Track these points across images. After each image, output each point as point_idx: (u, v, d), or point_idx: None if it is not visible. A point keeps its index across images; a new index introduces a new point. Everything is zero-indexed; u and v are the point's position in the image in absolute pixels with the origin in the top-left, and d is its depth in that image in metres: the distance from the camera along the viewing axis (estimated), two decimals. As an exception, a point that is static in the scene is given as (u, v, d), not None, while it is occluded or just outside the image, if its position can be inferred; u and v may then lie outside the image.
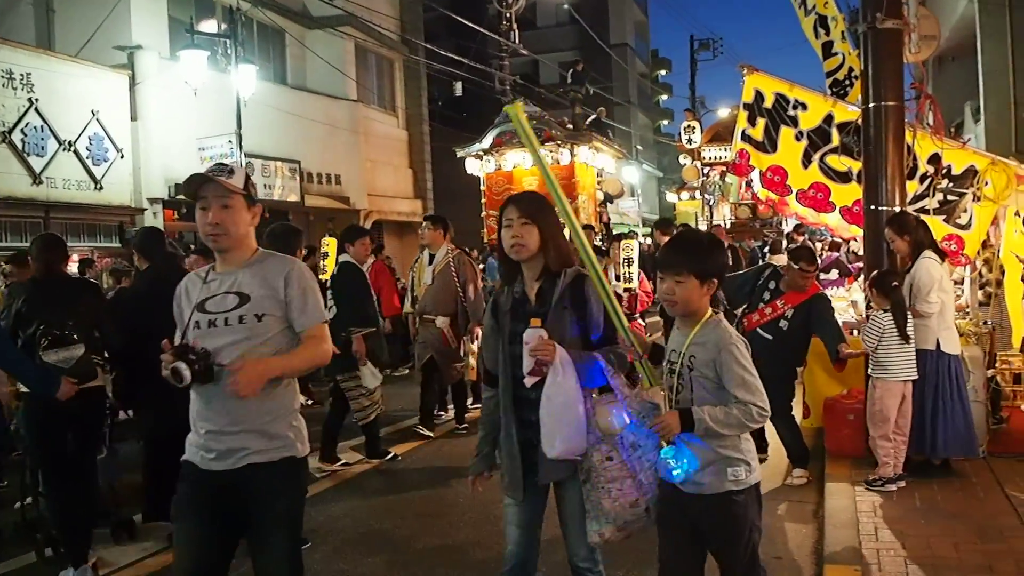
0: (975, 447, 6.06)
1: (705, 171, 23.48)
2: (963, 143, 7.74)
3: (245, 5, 16.07)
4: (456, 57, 21.08)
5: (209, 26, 15.43)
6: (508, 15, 21.78)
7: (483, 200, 16.65)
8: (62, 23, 14.81)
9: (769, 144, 7.49)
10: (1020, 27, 15.37)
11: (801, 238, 13.93)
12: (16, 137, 12.43)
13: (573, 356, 3.16)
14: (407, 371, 11.90)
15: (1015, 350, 7.21)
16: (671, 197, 29.72)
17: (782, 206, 7.92)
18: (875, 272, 6.09)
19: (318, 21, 19.66)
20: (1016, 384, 7.27)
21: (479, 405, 5.07)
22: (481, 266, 14.19)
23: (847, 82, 8.46)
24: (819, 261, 13.42)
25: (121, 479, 6.04)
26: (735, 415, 2.94)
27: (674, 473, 3.00)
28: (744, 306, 6.87)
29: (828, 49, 8.73)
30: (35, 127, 12.73)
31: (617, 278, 8.47)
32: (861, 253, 9.00)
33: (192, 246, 15.05)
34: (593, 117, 20.47)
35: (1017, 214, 6.95)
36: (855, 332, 7.74)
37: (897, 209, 6.32)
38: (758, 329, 6.53)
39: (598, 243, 12.59)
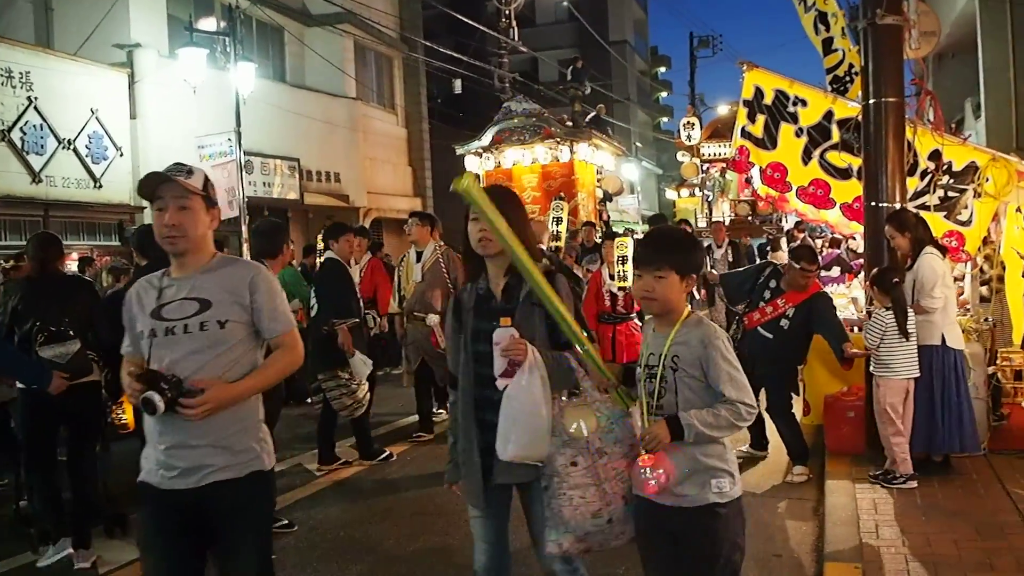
0: (978, 443, 6.06)
1: (704, 168, 23.48)
2: (964, 139, 7.73)
3: (244, 3, 16.04)
4: (455, 55, 21.06)
5: (208, 24, 15.40)
6: (507, 12, 21.76)
7: (483, 198, 16.64)
8: (61, 21, 14.79)
9: (769, 141, 7.49)
10: (1020, 23, 15.37)
11: (802, 235, 13.93)
12: (15, 135, 12.41)
13: (544, 357, 3.04)
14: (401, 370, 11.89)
15: (1016, 347, 7.20)
16: (671, 194, 29.74)
17: (782, 203, 7.92)
18: (875, 270, 6.08)
19: (317, 19, 19.64)
20: (1017, 381, 7.26)
21: None
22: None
23: (847, 78, 8.43)
24: (820, 259, 13.45)
25: (117, 477, 6.04)
26: (724, 416, 2.80)
27: (650, 487, 2.81)
28: (744, 304, 6.87)
29: (828, 45, 8.71)
30: (34, 125, 12.71)
31: (611, 276, 8.32)
32: (860, 251, 9.00)
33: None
34: (592, 114, 20.47)
35: (1018, 210, 6.93)
36: (856, 329, 7.73)
37: (897, 206, 6.32)
38: (759, 328, 6.53)
39: (597, 240, 12.55)
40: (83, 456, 5.28)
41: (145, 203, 10.88)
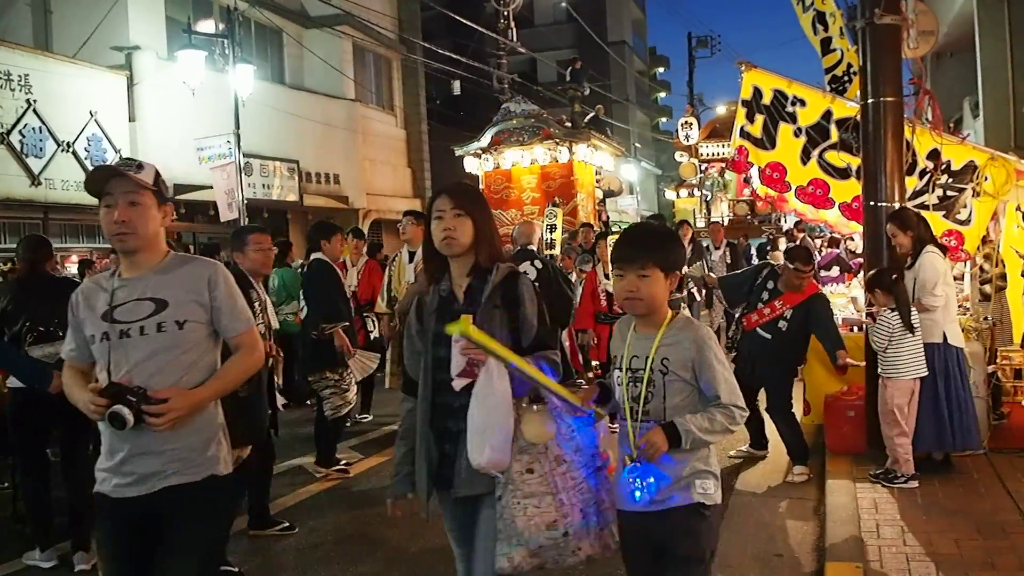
0: (979, 440, 6.06)
1: (703, 168, 23.49)
2: (962, 138, 7.73)
3: (243, 5, 16.05)
4: (454, 56, 21.07)
5: (207, 26, 15.42)
6: (506, 13, 21.77)
7: (482, 199, 16.64)
8: (59, 24, 14.80)
9: (768, 141, 7.49)
10: (1018, 22, 15.38)
11: (801, 235, 13.94)
12: (14, 138, 12.42)
13: None
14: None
15: (1016, 345, 7.20)
16: (670, 194, 29.74)
17: (781, 203, 7.92)
18: (871, 273, 6.07)
19: (315, 20, 19.65)
20: (1017, 380, 7.26)
21: None
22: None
23: (846, 78, 8.43)
24: (817, 258, 13.44)
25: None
26: (719, 420, 2.71)
27: (637, 496, 2.71)
28: (743, 306, 6.87)
29: (826, 45, 8.71)
30: (33, 128, 12.72)
31: (607, 276, 8.23)
32: (859, 250, 9.01)
33: (191, 247, 15.09)
34: (591, 115, 20.48)
35: (1018, 209, 6.94)
36: (855, 328, 7.74)
37: (896, 205, 6.32)
38: (757, 329, 6.54)
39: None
40: (78, 456, 5.30)
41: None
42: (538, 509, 2.77)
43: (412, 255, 7.89)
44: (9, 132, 12.34)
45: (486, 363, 2.78)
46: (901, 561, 4.48)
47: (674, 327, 2.82)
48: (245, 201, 14.16)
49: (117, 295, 2.90)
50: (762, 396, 6.80)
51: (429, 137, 24.21)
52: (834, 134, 7.26)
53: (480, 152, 16.42)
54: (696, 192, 25.30)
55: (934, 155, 6.92)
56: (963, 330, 6.43)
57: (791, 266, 6.39)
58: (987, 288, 7.37)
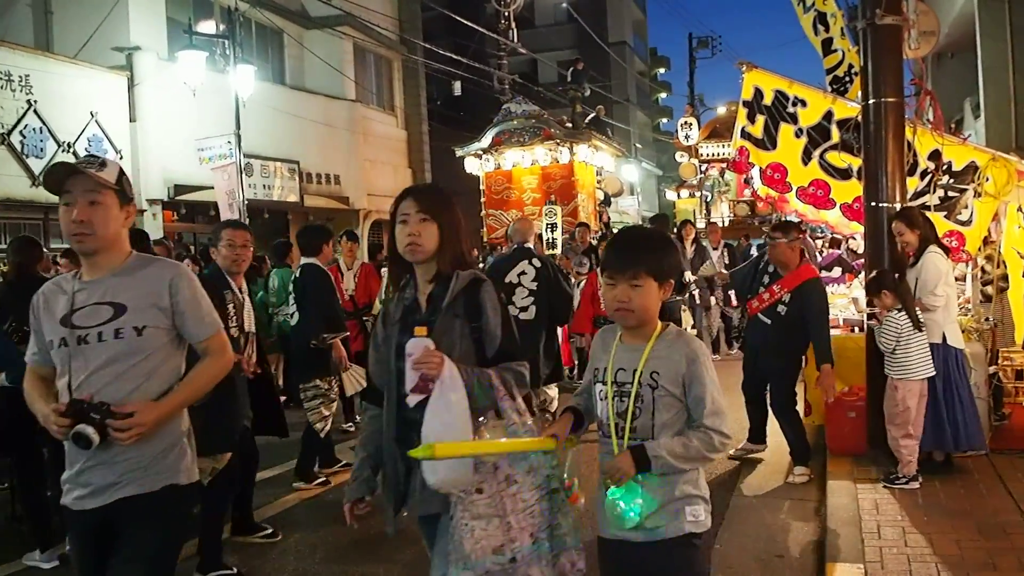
0: (983, 440, 6.06)
1: (703, 168, 23.45)
2: (963, 139, 7.73)
3: (243, 5, 16.06)
4: (455, 56, 21.07)
5: (207, 27, 15.42)
6: (506, 14, 21.78)
7: (482, 199, 16.66)
8: (60, 24, 14.80)
9: (769, 141, 7.48)
10: (1019, 22, 15.37)
11: (802, 235, 13.92)
12: (15, 139, 12.42)
13: (462, 372, 2.72)
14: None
15: (1017, 346, 7.20)
16: (671, 195, 29.70)
17: (782, 203, 7.91)
18: (873, 276, 6.05)
19: (316, 21, 19.66)
20: (1018, 380, 7.27)
21: None
22: (480, 266, 14.20)
23: (847, 79, 8.43)
24: (819, 259, 13.40)
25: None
26: (695, 446, 2.53)
27: (625, 520, 2.55)
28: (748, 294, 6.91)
29: (828, 46, 8.71)
30: (34, 129, 12.72)
31: None
32: (860, 251, 8.99)
33: (191, 247, 15.09)
34: (592, 116, 20.48)
35: (1019, 209, 6.93)
36: (856, 330, 7.73)
37: (898, 206, 6.31)
38: (759, 315, 6.63)
39: (592, 242, 12.52)
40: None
41: (144, 206, 10.89)
42: (485, 532, 2.61)
43: None
44: (10, 132, 12.35)
45: (440, 377, 2.65)
46: (902, 562, 4.47)
47: (665, 339, 2.66)
48: (246, 202, 14.16)
49: (77, 298, 2.80)
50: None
51: (430, 138, 24.22)
52: (835, 135, 7.25)
53: (481, 153, 16.43)
54: (696, 193, 25.27)
55: (935, 156, 6.92)
56: (964, 331, 6.43)
57: (770, 239, 6.45)
58: (989, 289, 7.37)
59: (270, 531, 5.58)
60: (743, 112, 7.63)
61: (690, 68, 37.61)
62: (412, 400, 2.76)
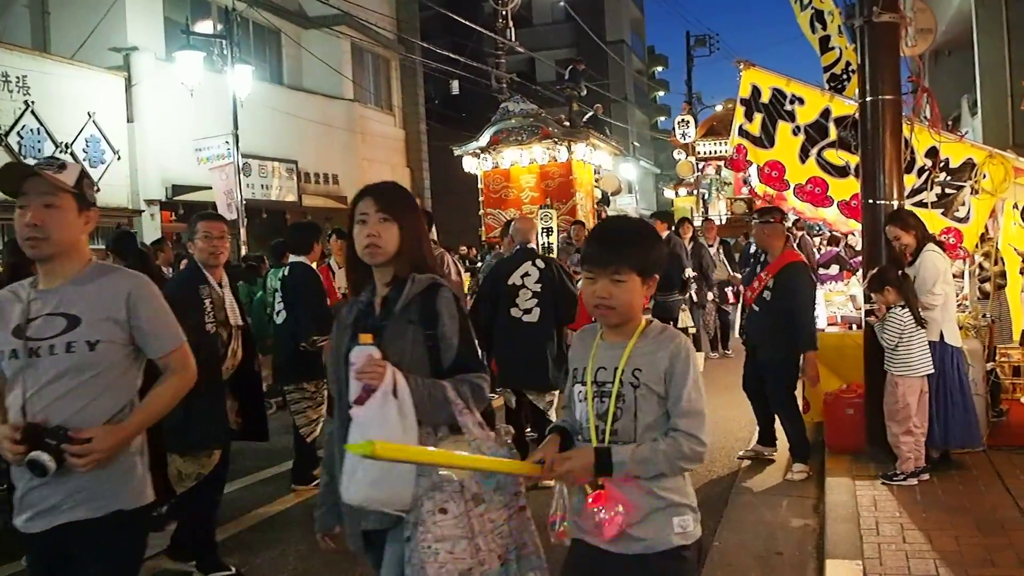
0: (979, 437, 6.07)
1: (700, 166, 23.47)
2: (960, 136, 7.73)
3: (241, 5, 16.05)
4: (452, 55, 21.07)
5: (205, 27, 15.42)
6: (504, 13, 21.77)
7: (481, 198, 16.65)
8: (57, 25, 14.80)
9: (766, 139, 7.48)
10: (1016, 20, 15.39)
11: (800, 233, 13.93)
12: (12, 140, 12.42)
13: (412, 383, 2.55)
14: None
15: (1014, 343, 7.21)
16: (669, 193, 29.73)
17: (780, 201, 7.90)
18: (877, 270, 6.05)
19: (314, 21, 19.66)
20: (1016, 377, 7.26)
21: None
22: (478, 264, 14.20)
23: (844, 76, 8.45)
24: (816, 256, 13.40)
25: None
26: (662, 451, 2.33)
27: (605, 527, 2.33)
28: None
29: (825, 44, 8.72)
30: (31, 130, 12.72)
31: None
32: (859, 248, 9.00)
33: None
34: (590, 114, 20.49)
35: (1015, 207, 6.94)
36: (853, 327, 7.74)
37: (895, 203, 6.32)
38: (752, 305, 6.71)
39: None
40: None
41: (143, 207, 10.90)
42: (451, 555, 2.43)
43: None
44: (7, 133, 12.35)
45: (382, 388, 2.49)
46: (901, 558, 4.48)
47: (648, 335, 2.46)
48: (244, 201, 14.16)
49: (32, 307, 2.64)
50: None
51: (428, 137, 24.23)
52: (833, 132, 7.26)
53: (479, 152, 16.41)
54: (694, 191, 25.29)
55: (932, 153, 6.92)
56: (962, 328, 6.44)
57: (754, 222, 6.65)
58: (986, 286, 7.37)
59: (232, 572, 5.04)
60: (741, 110, 7.63)
61: (688, 66, 37.63)
62: (355, 413, 2.57)
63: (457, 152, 16.86)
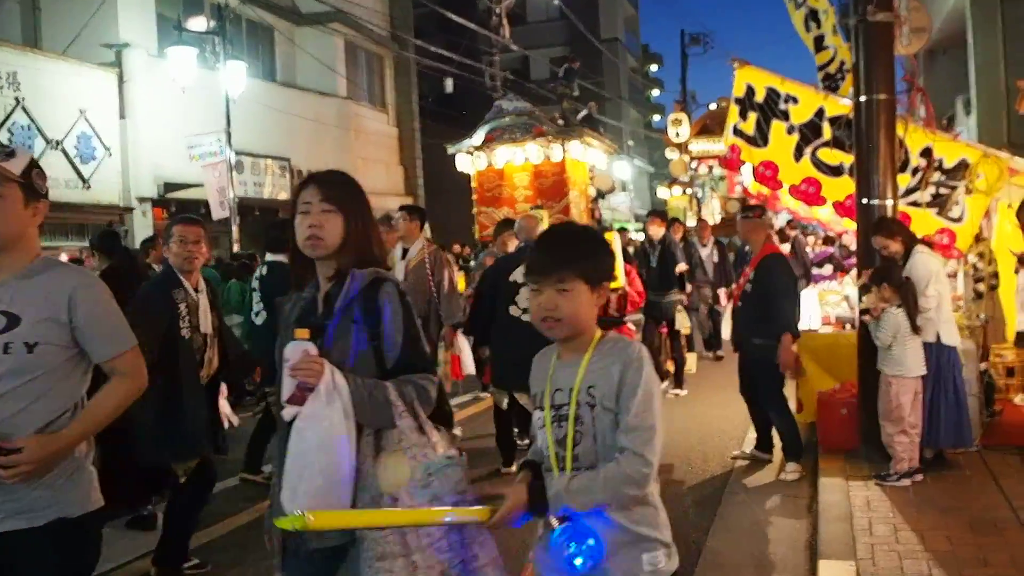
0: (971, 437, 6.07)
1: (693, 165, 23.48)
2: (955, 136, 7.73)
3: (234, 2, 16.00)
4: (446, 53, 21.04)
5: (197, 23, 15.36)
6: (498, 10, 21.74)
7: (474, 197, 16.62)
8: (49, 21, 14.73)
9: (760, 138, 7.47)
10: (1011, 19, 15.41)
11: (793, 233, 13.93)
12: (3, 136, 12.35)
13: (352, 383, 2.40)
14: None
15: (1008, 343, 7.21)
16: (663, 192, 29.76)
17: (774, 200, 7.91)
18: (880, 266, 6.03)
19: (307, 18, 19.62)
20: (1009, 377, 7.27)
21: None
22: (471, 263, 14.17)
23: (839, 76, 8.43)
24: (811, 255, 13.41)
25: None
26: (601, 478, 2.16)
27: (576, 562, 2.16)
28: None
29: (819, 43, 8.71)
30: (22, 126, 12.66)
31: None
32: (853, 248, 9.00)
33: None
34: (584, 112, 20.47)
35: (1010, 207, 6.94)
36: (847, 327, 7.73)
37: (889, 203, 6.30)
38: (739, 301, 6.79)
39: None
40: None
41: (134, 204, 10.86)
42: (390, 573, 2.31)
43: (405, 252, 7.53)
44: (-2, 130, 12.29)
45: (317, 389, 2.35)
46: (894, 559, 4.47)
47: (604, 348, 2.29)
48: (236, 199, 14.11)
49: None
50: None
51: (421, 135, 24.19)
52: (827, 132, 7.25)
53: (472, 150, 16.36)
54: (688, 190, 25.31)
55: (927, 152, 6.92)
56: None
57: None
58: (980, 286, 7.37)
59: (196, 562, 4.99)
60: (735, 109, 7.62)
61: (682, 65, 37.60)
62: (288, 413, 2.42)
63: (450, 150, 16.80)
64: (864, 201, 6.41)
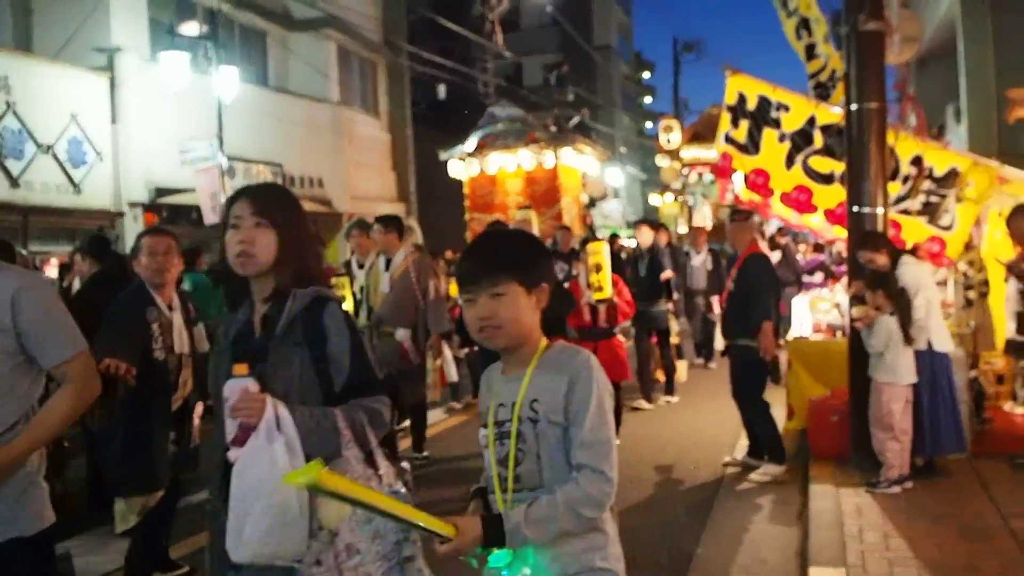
0: (965, 444, 6.09)
1: (685, 172, 23.51)
2: (945, 144, 7.77)
3: (226, 7, 15.98)
4: (439, 59, 21.05)
5: (190, 28, 15.33)
6: (491, 17, 21.78)
7: (466, 203, 16.64)
8: (41, 24, 14.67)
9: (752, 146, 7.50)
10: (1001, 28, 15.48)
11: (784, 240, 13.95)
12: (-7, 140, 12.30)
13: (298, 415, 2.26)
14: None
15: (998, 351, 7.24)
16: (655, 199, 29.81)
17: (765, 208, 7.93)
18: (875, 272, 6.03)
19: (300, 23, 19.60)
20: (999, 384, 7.30)
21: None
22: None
23: (830, 84, 8.46)
24: (802, 262, 13.43)
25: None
26: (562, 503, 1.98)
27: None
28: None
29: (811, 51, 8.74)
30: (13, 130, 12.59)
31: (590, 287, 7.52)
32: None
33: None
34: (577, 119, 20.51)
35: (1000, 215, 6.98)
36: (838, 334, 7.75)
37: (880, 211, 6.33)
38: (726, 306, 6.95)
39: (575, 247, 12.38)
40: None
41: (125, 209, 10.80)
42: None
43: (388, 263, 7.33)
44: (-11, 134, 12.23)
45: (258, 429, 2.20)
46: (884, 566, 4.48)
47: (549, 358, 2.14)
48: (228, 204, 14.04)
49: None
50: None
51: (414, 141, 24.18)
52: (818, 140, 7.28)
53: (465, 156, 16.41)
54: (679, 197, 25.35)
55: (917, 161, 6.96)
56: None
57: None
58: (970, 294, 7.40)
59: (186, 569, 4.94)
60: (727, 117, 7.64)
61: (675, 72, 37.71)
62: (233, 456, 2.26)
63: (443, 156, 16.85)
64: (855, 209, 6.43)
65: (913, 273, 5.90)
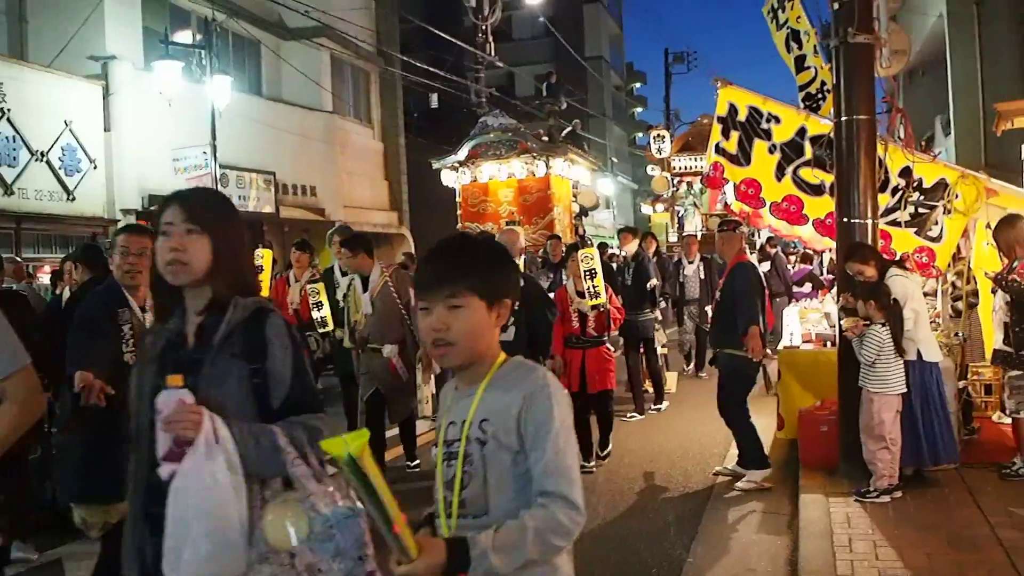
0: (957, 453, 6.13)
1: (675, 181, 23.56)
2: (934, 156, 7.84)
3: (220, 16, 16.00)
4: (432, 69, 21.10)
5: (184, 36, 15.36)
6: (484, 27, 21.83)
7: (459, 212, 16.66)
8: (35, 33, 14.67)
9: (743, 157, 7.54)
10: (988, 41, 15.62)
11: (774, 250, 14.00)
12: (-14, 147, 12.29)
13: (236, 431, 2.14)
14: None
15: (986, 361, 7.30)
16: (646, 209, 29.88)
17: (756, 218, 7.97)
18: (868, 283, 6.07)
19: (294, 32, 19.62)
20: (987, 395, 7.36)
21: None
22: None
23: (819, 95, 8.54)
24: (791, 272, 13.49)
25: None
26: (532, 529, 1.82)
27: None
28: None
29: (800, 63, 8.82)
30: (6, 137, 12.58)
31: (579, 294, 7.41)
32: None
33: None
34: (568, 129, 20.55)
35: (988, 226, 7.04)
36: (828, 344, 7.80)
37: (869, 222, 6.38)
38: (715, 316, 7.13)
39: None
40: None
41: (119, 216, 10.77)
42: None
43: (366, 282, 7.15)
44: (-19, 141, 12.22)
45: (196, 444, 2.08)
46: (873, 575, 4.50)
47: (503, 376, 2.00)
48: (221, 212, 14.03)
49: None
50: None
51: (407, 150, 24.20)
52: (808, 151, 7.33)
53: (457, 165, 16.43)
54: (670, 207, 25.40)
55: (906, 173, 7.01)
56: (934, 346, 6.51)
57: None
58: (959, 304, 7.46)
59: None
60: (717, 128, 7.69)
61: (666, 83, 37.87)
62: (165, 472, 2.13)
63: (436, 165, 16.86)
64: (844, 220, 6.48)
65: (901, 284, 5.95)
